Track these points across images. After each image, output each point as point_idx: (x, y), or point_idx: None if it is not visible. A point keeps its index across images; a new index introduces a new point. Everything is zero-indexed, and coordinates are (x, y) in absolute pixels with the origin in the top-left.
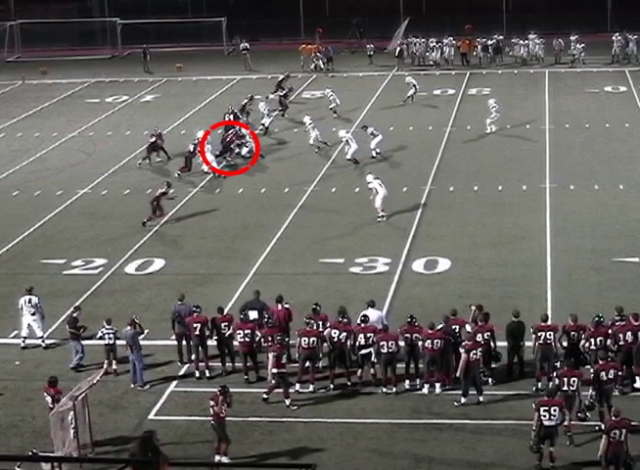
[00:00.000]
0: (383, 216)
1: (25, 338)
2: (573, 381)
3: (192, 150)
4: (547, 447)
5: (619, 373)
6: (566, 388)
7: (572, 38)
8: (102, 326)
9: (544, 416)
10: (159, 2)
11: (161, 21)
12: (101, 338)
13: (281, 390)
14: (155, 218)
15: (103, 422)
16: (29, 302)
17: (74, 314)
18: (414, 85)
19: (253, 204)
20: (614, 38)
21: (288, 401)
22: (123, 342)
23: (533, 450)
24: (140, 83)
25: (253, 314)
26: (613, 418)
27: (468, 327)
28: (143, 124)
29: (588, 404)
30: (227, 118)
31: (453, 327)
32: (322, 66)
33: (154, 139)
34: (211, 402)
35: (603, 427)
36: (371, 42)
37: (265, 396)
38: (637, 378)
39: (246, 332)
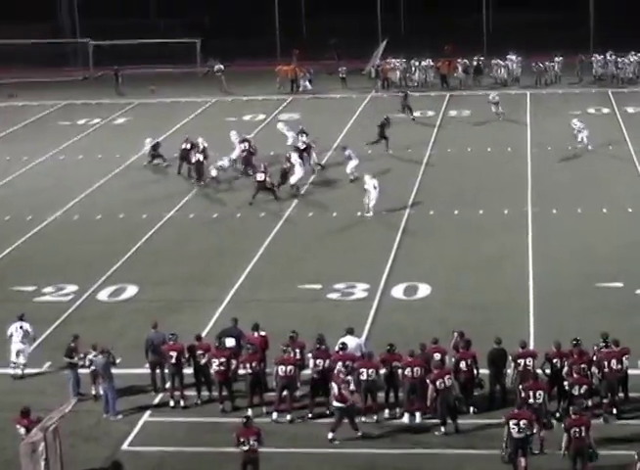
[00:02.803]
0: (369, 213)
1: (16, 364)
2: (539, 394)
3: (200, 159)
4: (520, 458)
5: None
6: (532, 400)
7: (557, 59)
8: (87, 352)
9: (513, 429)
10: (132, 23)
11: (134, 41)
12: (90, 364)
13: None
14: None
15: (74, 453)
16: (21, 328)
17: (72, 344)
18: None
19: (229, 228)
20: (593, 59)
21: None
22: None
23: (505, 461)
24: (112, 106)
25: (230, 342)
26: (572, 416)
27: (437, 355)
28: (115, 148)
29: (558, 417)
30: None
31: (435, 355)
32: (309, 86)
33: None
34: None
35: (563, 426)
36: (344, 64)
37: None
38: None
39: (221, 360)
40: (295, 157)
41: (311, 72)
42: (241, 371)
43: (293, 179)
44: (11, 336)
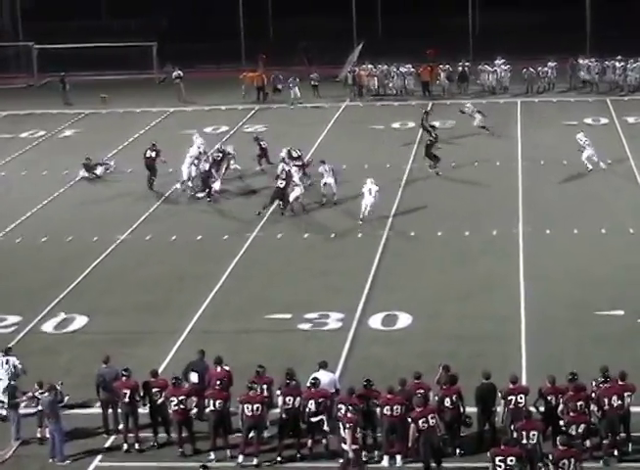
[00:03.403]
0: (362, 220)
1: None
2: (533, 434)
3: (208, 168)
4: None
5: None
6: (525, 441)
7: (551, 64)
8: (34, 390)
9: (499, 467)
10: (81, 25)
11: (83, 45)
12: (36, 403)
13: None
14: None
15: None
16: (6, 363)
17: (13, 381)
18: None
19: (189, 252)
20: (589, 63)
21: None
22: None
23: None
24: (59, 116)
25: (194, 377)
26: (560, 447)
27: (419, 392)
28: (62, 163)
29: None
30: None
31: (417, 391)
32: (298, 94)
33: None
34: None
35: (551, 457)
36: (315, 70)
37: None
38: (630, 444)
39: (180, 398)
40: (294, 171)
41: (281, 79)
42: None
43: (294, 195)
44: None
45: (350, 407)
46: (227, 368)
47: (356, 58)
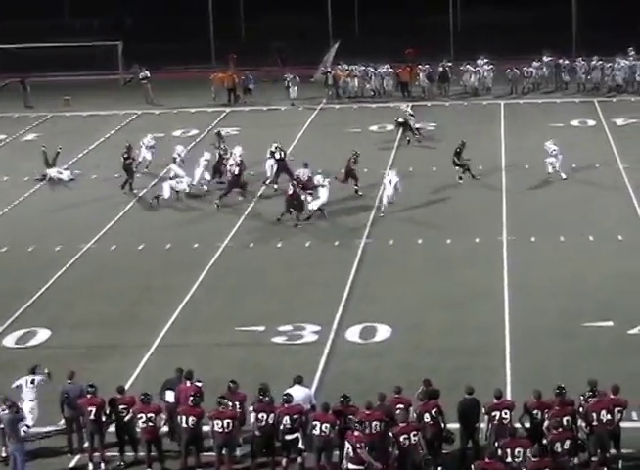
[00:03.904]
0: (382, 213)
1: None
2: (518, 452)
3: (237, 172)
4: None
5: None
6: (509, 459)
7: (536, 64)
8: None
9: None
10: (43, 24)
11: (45, 45)
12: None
13: None
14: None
15: None
16: (32, 382)
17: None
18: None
19: (157, 262)
20: (577, 64)
21: None
22: None
23: None
24: (20, 120)
25: (170, 395)
26: (533, 459)
27: (399, 407)
28: (23, 168)
29: None
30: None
31: (397, 406)
32: (294, 93)
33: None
34: None
35: None
36: (290, 71)
37: None
38: (620, 462)
39: (148, 416)
40: (318, 178)
41: (251, 79)
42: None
43: (316, 203)
44: (19, 388)
45: (357, 425)
46: (199, 384)
47: (332, 58)
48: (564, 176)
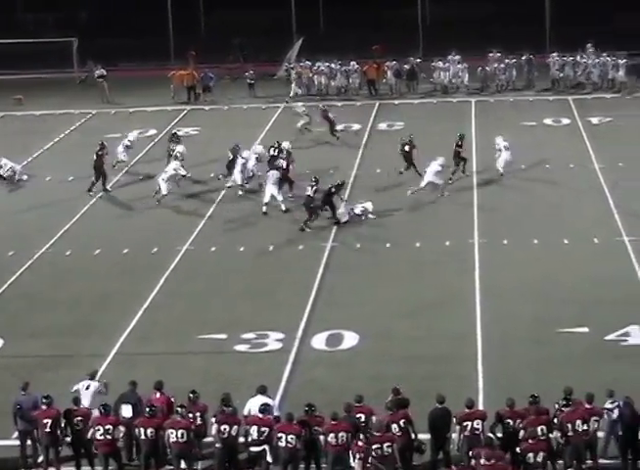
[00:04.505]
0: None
1: None
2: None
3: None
4: None
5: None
6: None
7: (509, 61)
8: None
9: None
10: None
11: None
12: None
13: None
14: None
15: None
16: (87, 389)
17: None
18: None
19: (114, 267)
20: (550, 60)
21: None
22: None
23: None
24: None
25: (127, 410)
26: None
27: (360, 416)
28: None
29: None
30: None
31: (358, 416)
32: (299, 91)
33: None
34: None
35: None
36: (251, 68)
37: None
38: None
39: (106, 428)
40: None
41: (211, 77)
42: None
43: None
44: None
45: (362, 435)
46: (171, 397)
47: (295, 55)
48: (501, 171)
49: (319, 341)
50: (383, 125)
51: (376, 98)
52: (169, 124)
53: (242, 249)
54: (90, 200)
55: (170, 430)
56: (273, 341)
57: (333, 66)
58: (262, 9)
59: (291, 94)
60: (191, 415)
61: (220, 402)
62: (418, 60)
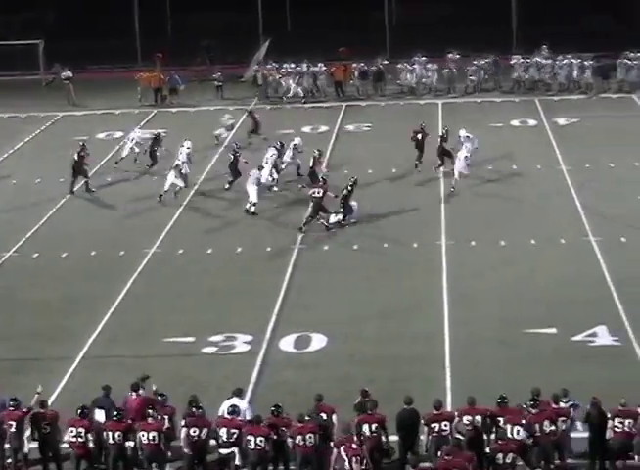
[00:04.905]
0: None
1: None
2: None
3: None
4: None
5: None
6: None
7: (477, 62)
8: None
9: None
10: None
11: None
12: None
13: None
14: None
15: None
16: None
17: None
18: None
19: (82, 270)
20: (514, 61)
21: None
22: None
23: None
24: None
25: (100, 415)
26: (445, 457)
27: (334, 417)
28: None
29: None
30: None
31: (320, 415)
32: (301, 92)
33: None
34: None
35: None
36: (219, 70)
37: None
38: None
39: (79, 430)
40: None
41: (177, 79)
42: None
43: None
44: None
45: (355, 438)
46: (147, 396)
47: (263, 56)
48: (456, 177)
49: (287, 343)
50: (350, 127)
51: (343, 100)
52: (136, 127)
53: (209, 251)
54: (57, 202)
55: (142, 432)
56: (241, 343)
57: (300, 67)
58: (229, 11)
59: (289, 94)
60: (160, 418)
61: (188, 405)
62: (385, 61)
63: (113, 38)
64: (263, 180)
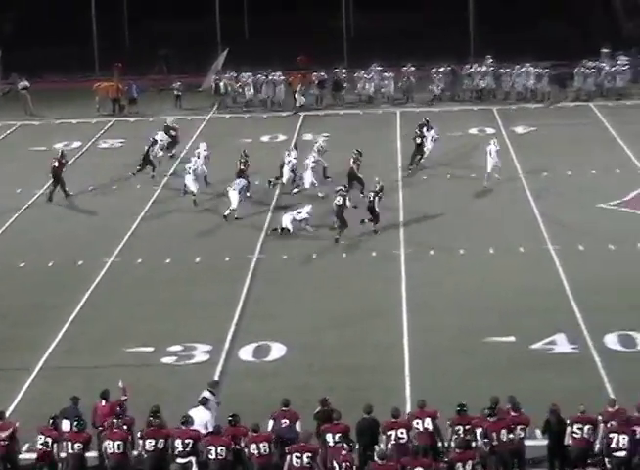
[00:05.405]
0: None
1: None
2: None
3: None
4: None
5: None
6: None
7: (437, 70)
8: None
9: None
10: None
11: None
12: None
13: None
14: None
15: None
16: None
17: None
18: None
19: (39, 280)
20: (472, 70)
21: None
22: None
23: None
24: None
25: (67, 425)
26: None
27: (297, 425)
28: None
29: None
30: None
31: (282, 421)
32: (303, 99)
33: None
34: None
35: None
36: (177, 79)
37: None
38: None
39: (46, 439)
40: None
41: (135, 88)
42: (62, 454)
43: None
44: None
45: (345, 445)
46: (116, 404)
47: (221, 65)
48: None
49: (246, 352)
50: (308, 136)
51: (301, 109)
52: (94, 136)
53: (168, 261)
54: (15, 212)
55: (107, 441)
56: (200, 353)
57: (259, 76)
58: (187, 19)
59: (297, 104)
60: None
61: (148, 415)
62: (343, 70)
63: (70, 48)
64: (284, 180)
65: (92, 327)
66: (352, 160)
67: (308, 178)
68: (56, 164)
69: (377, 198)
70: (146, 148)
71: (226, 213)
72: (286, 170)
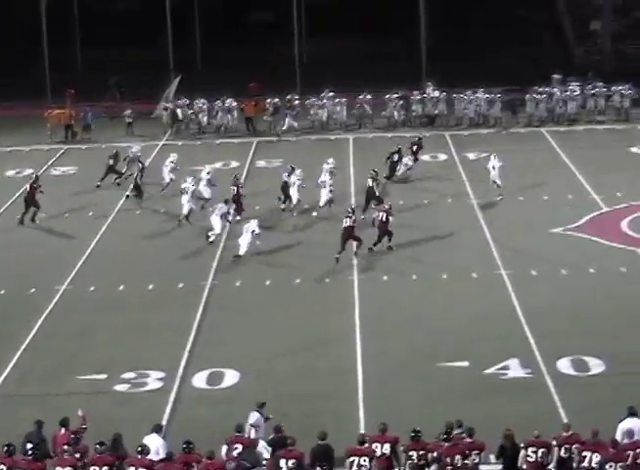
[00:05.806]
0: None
1: None
2: None
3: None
4: None
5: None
6: None
7: (391, 96)
8: None
9: None
10: None
11: None
12: None
13: None
14: None
15: None
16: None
17: None
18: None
19: None
20: (425, 96)
21: None
22: None
23: None
24: None
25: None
26: None
27: (237, 446)
28: None
29: None
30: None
31: (235, 446)
32: (295, 123)
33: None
34: None
35: None
36: (129, 106)
37: None
38: None
39: (1, 467)
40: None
41: (90, 115)
42: None
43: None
44: None
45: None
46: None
47: (173, 93)
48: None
49: (200, 379)
50: (261, 163)
51: (254, 135)
52: (46, 163)
53: (121, 288)
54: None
55: (57, 468)
56: (154, 380)
57: (212, 103)
58: (139, 46)
59: (284, 127)
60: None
61: (112, 443)
62: (296, 97)
63: (21, 74)
64: (294, 201)
65: (45, 355)
66: (371, 179)
67: (324, 196)
68: (28, 187)
69: (390, 217)
70: (134, 175)
71: (211, 240)
72: (294, 192)
